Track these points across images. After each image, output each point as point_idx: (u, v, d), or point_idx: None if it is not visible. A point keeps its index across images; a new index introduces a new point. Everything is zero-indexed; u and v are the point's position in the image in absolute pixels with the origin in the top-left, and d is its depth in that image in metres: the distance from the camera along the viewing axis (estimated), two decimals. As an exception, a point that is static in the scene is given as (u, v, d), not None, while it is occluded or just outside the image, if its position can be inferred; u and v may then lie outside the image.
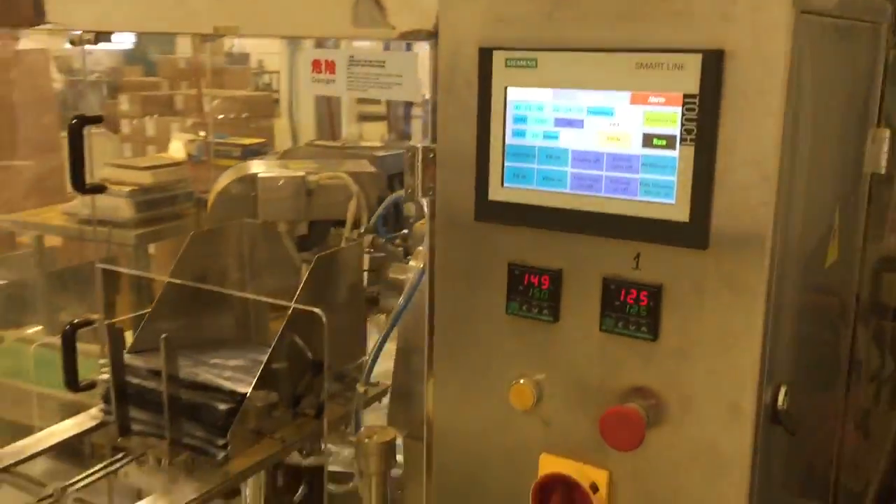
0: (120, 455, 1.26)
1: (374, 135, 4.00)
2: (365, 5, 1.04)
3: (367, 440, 1.26)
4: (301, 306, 1.27)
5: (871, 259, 1.56)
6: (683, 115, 0.86)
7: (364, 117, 6.22)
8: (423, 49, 1.08)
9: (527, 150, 0.97)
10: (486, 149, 0.98)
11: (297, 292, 1.31)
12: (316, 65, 1.18)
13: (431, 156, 1.07)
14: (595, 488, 0.97)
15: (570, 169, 0.94)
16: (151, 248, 3.81)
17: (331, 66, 1.18)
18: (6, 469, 1.21)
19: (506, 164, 0.98)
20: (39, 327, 2.50)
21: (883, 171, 1.32)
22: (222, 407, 1.22)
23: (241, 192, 1.91)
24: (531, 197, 0.97)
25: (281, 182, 1.86)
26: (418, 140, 2.80)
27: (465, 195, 1.01)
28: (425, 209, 1.10)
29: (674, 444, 0.93)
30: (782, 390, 0.93)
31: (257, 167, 1.96)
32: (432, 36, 1.01)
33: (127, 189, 3.24)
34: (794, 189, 0.89)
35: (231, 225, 1.66)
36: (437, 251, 1.05)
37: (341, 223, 1.84)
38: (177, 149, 3.76)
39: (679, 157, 0.87)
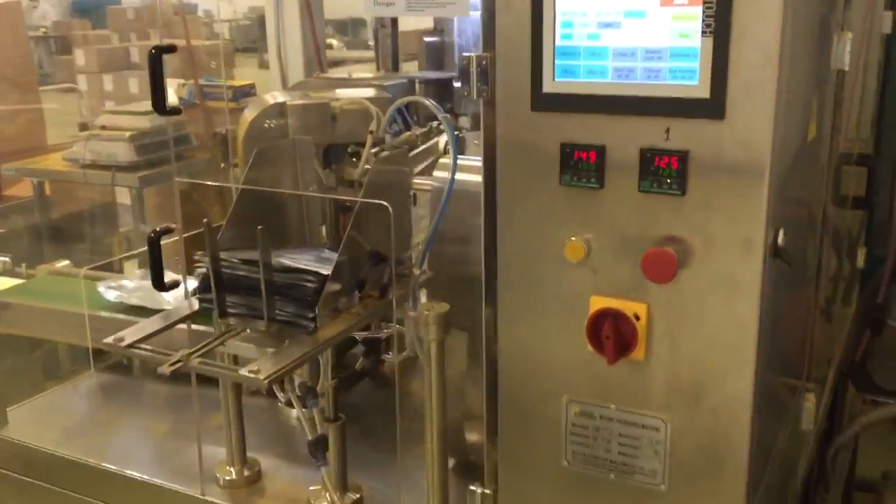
0: (224, 330, 1.48)
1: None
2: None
3: (426, 312, 1.50)
4: (369, 200, 1.49)
5: (835, 151, 1.83)
6: (704, 12, 1.10)
7: (335, 63, 6.34)
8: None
9: (573, 50, 1.19)
10: (539, 50, 1.21)
11: (362, 191, 1.53)
12: (378, -9, 1.39)
13: (484, 62, 1.29)
14: (637, 317, 1.22)
15: (611, 63, 1.17)
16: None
17: (392, -9, 1.38)
18: (132, 346, 1.42)
19: (556, 62, 1.20)
20: (67, 261, 2.67)
21: (846, 69, 1.57)
22: (310, 285, 1.44)
23: (273, 119, 2.10)
24: (578, 88, 1.20)
25: (309, 109, 2.06)
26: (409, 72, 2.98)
27: (521, 91, 1.23)
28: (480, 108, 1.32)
29: (700, 277, 1.18)
30: (781, 231, 1.18)
31: (282, 97, 2.15)
32: (488, -42, 1.22)
33: (127, 134, 3.38)
34: (790, 73, 1.14)
35: (284, 142, 1.86)
36: (498, 139, 1.28)
37: (359, 144, 2.04)
38: (168, 93, 3.88)
39: (700, 46, 1.11)
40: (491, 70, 1.27)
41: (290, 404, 1.63)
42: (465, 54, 1.30)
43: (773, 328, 1.28)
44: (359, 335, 1.65)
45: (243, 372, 1.33)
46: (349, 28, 13.35)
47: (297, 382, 1.59)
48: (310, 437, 1.61)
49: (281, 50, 3.56)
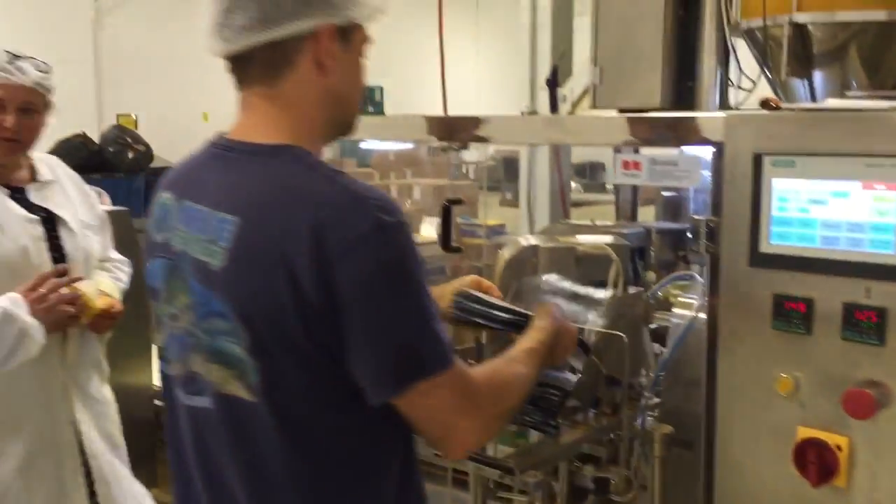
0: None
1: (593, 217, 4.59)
2: (686, 126, 1.59)
3: (653, 430, 1.75)
4: (609, 331, 1.80)
5: None
6: (899, 196, 1.34)
7: (574, 204, 6.80)
8: (705, 152, 1.61)
9: (786, 220, 1.46)
10: (757, 218, 1.49)
11: (604, 324, 1.85)
12: (625, 164, 1.74)
13: (712, 225, 1.58)
14: (839, 448, 1.41)
15: (819, 232, 1.43)
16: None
17: (637, 165, 1.73)
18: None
19: (772, 228, 1.48)
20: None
21: None
22: (555, 398, 1.75)
23: (526, 258, 2.49)
24: (790, 250, 1.46)
25: (557, 251, 2.43)
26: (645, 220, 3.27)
27: (741, 249, 1.51)
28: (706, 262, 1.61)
29: (896, 418, 1.37)
30: (977, 384, 1.35)
31: (534, 240, 2.54)
32: (718, 145, 1.54)
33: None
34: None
35: (538, 279, 2.23)
36: (721, 288, 1.55)
37: (600, 283, 2.36)
38: (427, 230, 4.46)
39: (896, 223, 1.34)
40: (717, 231, 1.57)
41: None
42: (696, 217, 1.61)
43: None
44: (590, 473, 1.92)
45: (502, 460, 1.66)
46: (587, 171, 13.94)
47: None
48: None
49: (530, 193, 4.03)
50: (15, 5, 10.93)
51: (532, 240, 2.56)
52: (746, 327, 1.52)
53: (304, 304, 1.10)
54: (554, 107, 3.46)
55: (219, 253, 1.16)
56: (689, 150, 1.85)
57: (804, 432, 1.45)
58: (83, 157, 10.17)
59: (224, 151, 1.26)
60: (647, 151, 1.84)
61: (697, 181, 1.71)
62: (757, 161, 1.48)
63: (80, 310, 2.15)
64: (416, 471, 1.30)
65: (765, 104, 1.54)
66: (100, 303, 2.20)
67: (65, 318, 2.10)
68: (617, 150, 1.99)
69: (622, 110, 2.61)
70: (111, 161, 9.61)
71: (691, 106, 2.56)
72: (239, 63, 1.23)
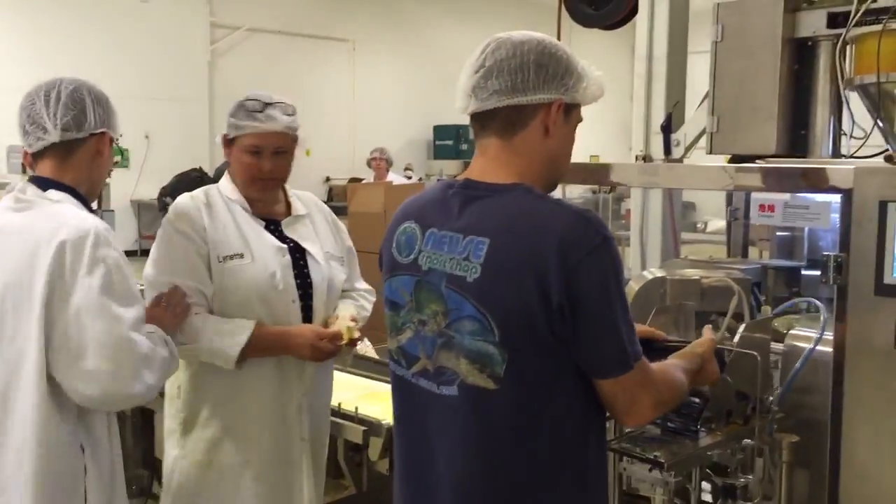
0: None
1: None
2: (817, 175, 1.87)
3: (781, 439, 2.01)
4: (744, 350, 2.07)
5: None
6: None
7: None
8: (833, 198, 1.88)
9: (909, 256, 1.73)
10: (882, 255, 1.76)
11: (735, 343, 2.12)
12: (762, 207, 2.03)
13: (839, 259, 1.85)
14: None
15: (938, 266, 1.69)
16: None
17: (772, 208, 2.01)
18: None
19: (895, 263, 1.74)
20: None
21: None
22: (696, 405, 2.03)
23: (653, 290, 2.77)
24: (913, 282, 1.72)
25: (685, 283, 2.70)
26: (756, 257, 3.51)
27: (867, 281, 1.78)
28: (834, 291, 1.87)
29: None
30: None
31: (659, 273, 2.82)
32: (847, 193, 1.81)
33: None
34: None
35: (670, 306, 2.51)
36: (848, 315, 1.82)
37: (721, 313, 2.62)
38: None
39: None
40: (845, 266, 1.83)
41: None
42: (826, 253, 1.87)
43: None
44: (720, 481, 2.18)
45: (651, 455, 1.94)
46: (682, 211, 14.01)
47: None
48: None
49: (642, 232, 4.30)
50: (137, 48, 11.76)
51: (658, 273, 2.84)
52: (871, 347, 1.78)
53: (548, 302, 1.45)
54: (668, 151, 3.75)
55: (473, 267, 1.51)
56: (803, 195, 2.12)
57: (927, 445, 1.70)
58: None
59: (465, 189, 1.61)
60: (757, 195, 2.11)
61: (828, 223, 1.98)
62: (882, 207, 1.75)
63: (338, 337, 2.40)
64: (605, 441, 1.65)
65: (888, 159, 1.82)
66: (355, 333, 2.44)
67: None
68: (749, 193, 2.27)
69: (736, 157, 2.89)
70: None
71: (804, 153, 2.81)
72: (484, 118, 1.61)
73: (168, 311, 2.25)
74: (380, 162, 9.18)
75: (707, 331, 1.94)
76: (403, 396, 1.70)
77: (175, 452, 2.51)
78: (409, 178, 10.42)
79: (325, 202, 2.86)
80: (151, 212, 11.52)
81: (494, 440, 1.54)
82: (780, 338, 2.29)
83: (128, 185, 11.59)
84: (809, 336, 2.12)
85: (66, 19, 11.20)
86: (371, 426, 2.80)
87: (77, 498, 2.03)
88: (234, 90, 11.54)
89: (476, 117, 1.63)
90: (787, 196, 2.09)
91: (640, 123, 4.29)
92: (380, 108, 14.00)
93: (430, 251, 1.62)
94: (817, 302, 2.23)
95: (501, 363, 1.50)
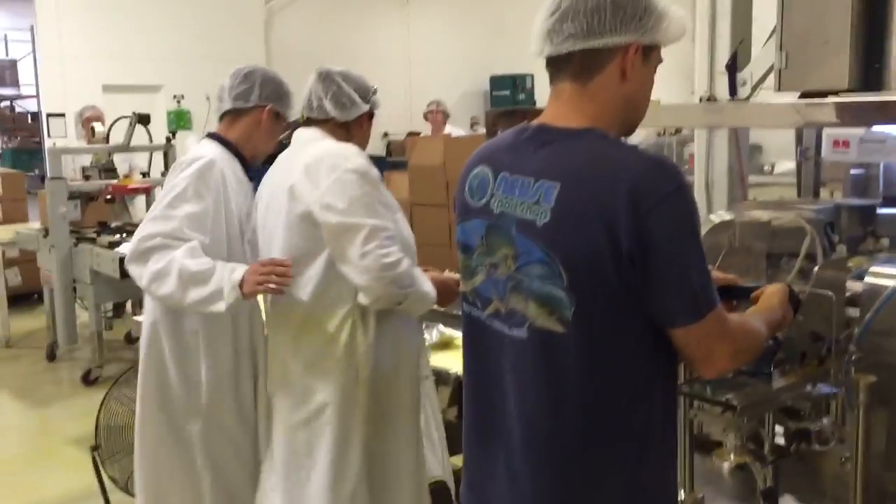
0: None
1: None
2: (893, 108, 1.80)
3: (858, 379, 1.98)
4: (822, 291, 2.03)
5: None
6: None
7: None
8: None
9: None
10: (965, 188, 1.69)
11: (811, 284, 2.08)
12: (835, 143, 1.97)
13: (918, 196, 1.79)
14: None
15: None
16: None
17: (847, 143, 1.95)
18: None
19: (980, 196, 1.68)
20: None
21: None
22: (770, 345, 2.00)
23: (723, 233, 2.72)
24: None
25: (754, 226, 2.65)
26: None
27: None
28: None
29: None
30: None
31: (727, 216, 2.77)
32: (928, 124, 1.75)
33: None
34: None
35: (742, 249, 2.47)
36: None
37: (793, 254, 2.57)
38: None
39: None
40: (924, 200, 1.77)
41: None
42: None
43: None
44: (793, 425, 2.15)
45: (725, 398, 1.93)
46: (748, 153, 13.69)
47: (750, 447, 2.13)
48: (762, 487, 2.13)
49: (707, 175, 4.22)
50: (190, 9, 11.86)
51: (726, 216, 2.79)
52: (954, 284, 1.73)
53: (618, 249, 1.44)
54: (733, 91, 3.65)
55: (543, 211, 1.51)
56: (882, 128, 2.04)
57: None
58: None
59: (538, 134, 1.60)
60: (830, 132, 2.04)
61: (897, 157, 1.92)
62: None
63: None
64: (675, 388, 1.63)
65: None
66: None
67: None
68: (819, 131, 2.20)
69: (806, 93, 2.79)
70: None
71: (879, 87, 2.71)
72: (559, 62, 1.59)
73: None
74: (436, 115, 9.13)
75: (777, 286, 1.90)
76: (477, 338, 1.71)
77: None
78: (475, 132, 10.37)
79: (385, 157, 2.94)
80: (215, 173, 11.70)
81: (563, 382, 1.55)
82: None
83: (192, 147, 11.79)
84: (889, 273, 2.06)
85: (124, -13, 11.32)
86: (439, 375, 2.84)
87: None
88: (290, 49, 11.72)
89: (551, 61, 1.60)
90: (861, 131, 2.01)
91: (703, 64, 4.17)
92: (435, 61, 13.89)
93: (501, 195, 1.61)
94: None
95: (569, 307, 1.50)
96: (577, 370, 1.53)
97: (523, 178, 1.57)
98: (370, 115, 2.68)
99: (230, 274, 2.48)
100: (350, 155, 2.46)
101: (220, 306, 2.47)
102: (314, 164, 2.42)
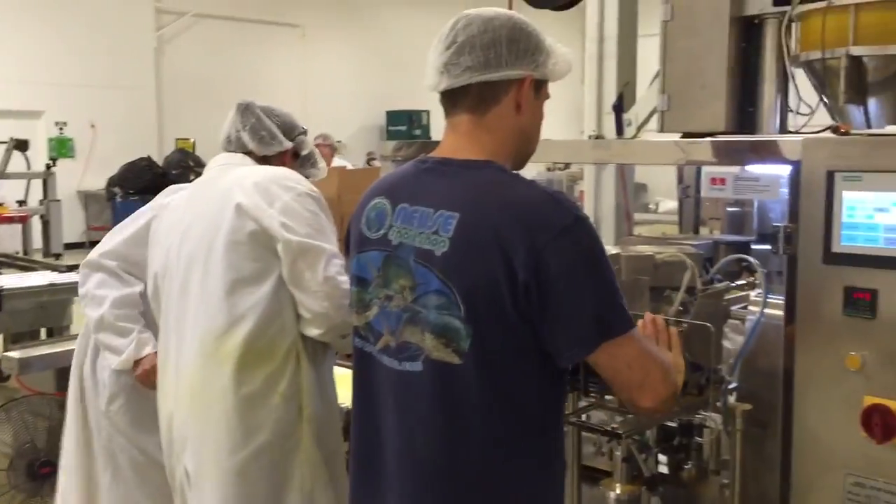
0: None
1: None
2: (767, 147, 1.90)
3: (734, 408, 2.06)
4: (698, 322, 2.11)
5: None
6: (950, 204, 1.64)
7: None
8: (781, 169, 1.92)
9: (854, 225, 1.77)
10: (830, 224, 1.80)
11: (692, 317, 2.15)
12: (713, 180, 2.06)
13: (789, 230, 1.89)
14: (901, 412, 1.71)
15: (881, 234, 1.74)
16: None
17: (723, 181, 2.05)
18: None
19: (842, 231, 1.79)
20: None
21: None
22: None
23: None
24: (857, 250, 1.77)
25: (639, 259, 2.74)
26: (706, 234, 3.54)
27: (815, 250, 1.82)
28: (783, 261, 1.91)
29: (949, 386, 1.66)
30: None
31: (613, 250, 2.86)
32: (796, 164, 1.85)
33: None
34: None
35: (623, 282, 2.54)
36: (798, 283, 1.86)
37: (675, 288, 2.67)
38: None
39: (947, 225, 1.65)
40: (794, 235, 1.87)
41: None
42: (776, 224, 1.91)
43: None
44: (675, 454, 2.21)
45: (610, 428, 1.97)
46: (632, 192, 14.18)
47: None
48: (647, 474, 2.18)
49: (595, 212, 4.35)
50: (82, 35, 11.51)
51: (612, 250, 2.88)
52: (820, 314, 1.83)
53: (514, 281, 1.46)
54: (619, 130, 3.79)
55: (442, 241, 1.52)
56: (755, 168, 2.16)
57: (869, 400, 1.75)
58: (149, 179, 10.70)
59: (438, 166, 1.62)
60: (709, 170, 2.15)
61: (777, 195, 2.03)
62: (830, 177, 1.79)
63: None
64: (562, 422, 1.65)
65: (835, 130, 1.86)
66: None
67: None
68: (698, 169, 2.30)
69: (687, 135, 2.93)
70: (175, 182, 10.19)
71: (752, 130, 2.86)
72: (456, 95, 1.61)
73: None
74: (322, 149, 9.11)
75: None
76: (366, 373, 1.70)
77: None
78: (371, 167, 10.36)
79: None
80: (98, 202, 11.32)
81: (458, 416, 1.55)
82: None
83: (74, 176, 11.35)
84: (757, 302, 2.16)
85: (6, 8, 10.88)
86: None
87: None
88: (182, 78, 11.44)
89: (447, 94, 1.62)
90: (736, 170, 2.13)
91: (591, 105, 4.33)
92: (332, 95, 13.90)
93: (400, 226, 1.61)
94: (751, 258, 2.27)
95: (466, 338, 1.51)
96: (473, 405, 1.53)
97: (423, 209, 1.58)
98: (294, 155, 2.59)
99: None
100: (300, 178, 2.36)
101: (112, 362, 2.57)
102: (264, 183, 2.29)
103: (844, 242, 1.79)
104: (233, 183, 2.32)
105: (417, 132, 13.82)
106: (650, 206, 11.67)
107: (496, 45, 1.57)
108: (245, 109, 2.51)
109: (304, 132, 2.62)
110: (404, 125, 14.02)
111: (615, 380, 1.56)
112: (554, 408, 1.61)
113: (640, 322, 1.86)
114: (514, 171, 1.62)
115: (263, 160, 2.49)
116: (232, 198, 2.27)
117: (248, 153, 2.49)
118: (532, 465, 1.58)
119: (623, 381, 1.56)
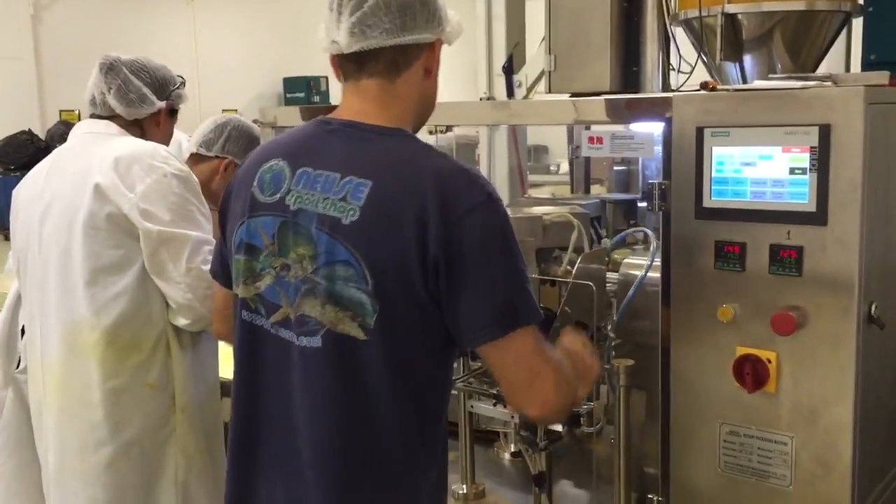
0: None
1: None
2: (640, 105, 1.91)
3: (617, 365, 2.09)
4: (582, 282, 2.13)
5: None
6: (810, 157, 1.68)
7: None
8: (657, 127, 1.94)
9: (723, 180, 1.80)
10: (700, 180, 1.83)
11: (573, 275, 2.17)
12: (591, 139, 2.07)
13: (663, 187, 1.91)
14: (769, 361, 1.76)
15: (749, 188, 1.77)
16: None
17: (601, 140, 2.05)
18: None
19: (712, 187, 1.81)
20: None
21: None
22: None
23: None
24: (727, 204, 1.80)
25: (526, 220, 2.74)
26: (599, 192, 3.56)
27: (688, 206, 1.85)
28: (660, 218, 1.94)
29: (813, 334, 1.72)
30: (874, 304, 1.71)
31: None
32: (668, 120, 1.87)
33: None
34: (870, 193, 1.69)
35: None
36: (672, 239, 1.89)
37: (562, 248, 2.69)
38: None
39: (809, 178, 1.69)
40: (668, 192, 1.90)
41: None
42: (650, 181, 1.93)
43: (872, 375, 1.78)
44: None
45: (497, 390, 1.97)
46: (531, 154, 14.35)
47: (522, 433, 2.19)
48: (534, 472, 2.19)
49: (490, 174, 4.35)
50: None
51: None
52: (694, 269, 1.86)
53: (425, 256, 1.40)
54: (510, 92, 3.78)
55: (352, 209, 1.44)
56: (638, 126, 2.19)
57: (741, 350, 1.80)
58: (30, 153, 10.18)
59: (345, 128, 1.53)
60: (598, 128, 2.16)
61: (652, 153, 2.04)
62: (699, 133, 1.81)
63: None
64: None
65: (704, 86, 1.88)
66: None
67: None
68: (587, 127, 2.31)
69: (574, 94, 2.94)
70: (62, 156, 9.66)
71: (637, 89, 2.90)
72: (364, 58, 1.52)
73: None
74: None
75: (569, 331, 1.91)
76: (255, 348, 1.60)
77: None
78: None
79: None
80: (-20, 179, 10.71)
81: (360, 394, 1.48)
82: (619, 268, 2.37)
83: (-50, 152, 10.70)
84: (641, 264, 2.20)
85: None
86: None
87: None
88: (63, 47, 10.92)
89: (352, 57, 1.53)
90: (615, 129, 2.14)
91: (483, 66, 4.31)
92: (226, 64, 13.46)
93: (300, 190, 1.51)
94: (649, 231, 2.32)
95: (372, 314, 1.44)
96: (374, 384, 1.47)
97: (329, 174, 1.49)
98: (171, 112, 2.41)
99: None
100: (167, 156, 2.19)
101: None
102: (126, 161, 2.13)
103: (715, 197, 1.81)
104: (92, 159, 2.17)
105: (316, 99, 13.56)
106: (552, 168, 11.81)
107: (410, 6, 1.51)
108: (109, 69, 2.29)
109: (181, 84, 2.43)
110: (303, 92, 13.72)
111: (500, 378, 1.51)
112: (446, 389, 1.58)
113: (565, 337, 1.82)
114: (427, 143, 1.57)
115: (134, 123, 2.33)
116: (91, 177, 2.13)
117: (117, 117, 2.31)
118: (423, 452, 1.55)
119: (509, 380, 1.50)
